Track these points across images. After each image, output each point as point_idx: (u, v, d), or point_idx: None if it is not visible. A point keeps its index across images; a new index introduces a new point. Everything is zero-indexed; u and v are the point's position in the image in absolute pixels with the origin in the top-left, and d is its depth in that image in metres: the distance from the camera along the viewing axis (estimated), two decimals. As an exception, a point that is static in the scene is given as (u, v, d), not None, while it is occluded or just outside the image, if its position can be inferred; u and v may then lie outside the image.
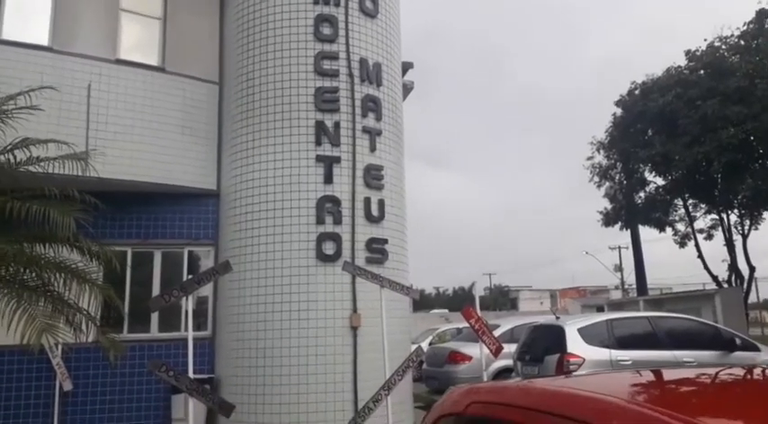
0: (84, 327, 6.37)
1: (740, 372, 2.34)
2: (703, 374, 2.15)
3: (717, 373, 2.11)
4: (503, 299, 67.88)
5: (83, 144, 8.34)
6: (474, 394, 2.13)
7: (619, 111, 21.79)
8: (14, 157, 5.84)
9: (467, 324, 18.17)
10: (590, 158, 23.03)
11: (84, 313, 5.98)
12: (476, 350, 12.26)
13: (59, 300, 5.80)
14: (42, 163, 5.87)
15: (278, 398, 8.46)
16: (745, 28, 18.40)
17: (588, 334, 9.23)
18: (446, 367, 12.35)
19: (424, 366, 13.86)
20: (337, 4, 9.60)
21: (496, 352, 7.29)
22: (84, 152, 6.47)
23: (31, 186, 5.95)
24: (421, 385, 13.69)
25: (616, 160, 22.34)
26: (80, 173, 6.47)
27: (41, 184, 5.95)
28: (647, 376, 2.14)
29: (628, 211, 22.37)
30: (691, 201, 21.61)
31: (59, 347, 8.31)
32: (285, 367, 8.52)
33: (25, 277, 5.80)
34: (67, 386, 8.73)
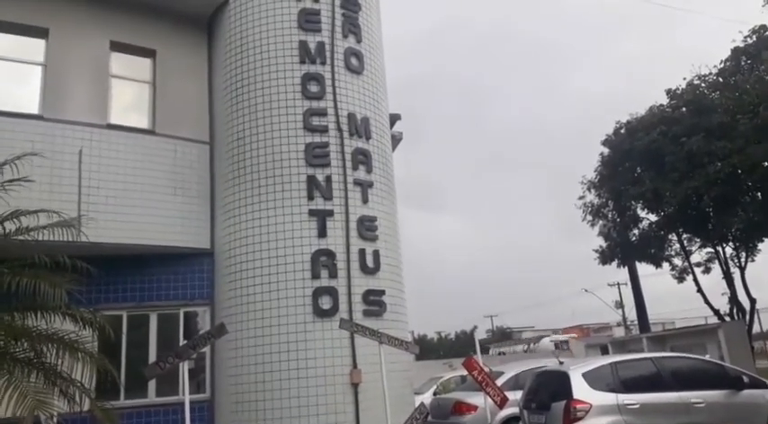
0: (77, 398, 6.20)
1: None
2: None
3: None
4: (506, 341, 67.00)
5: (74, 209, 8.33)
6: None
7: (606, 151, 22.05)
8: (4, 229, 5.81)
9: (471, 372, 17.43)
10: (581, 197, 23.14)
11: (78, 384, 5.83)
12: (481, 400, 11.98)
13: (52, 372, 5.66)
14: (33, 232, 5.83)
15: (280, 461, 8.20)
16: (722, 65, 18.87)
17: (593, 379, 9.03)
18: (451, 419, 12.00)
19: (429, 417, 13.50)
20: (323, 63, 9.82)
21: (502, 403, 7.15)
22: (74, 218, 6.45)
23: (22, 255, 5.90)
24: (426, 439, 13.31)
25: (607, 198, 22.43)
26: (71, 239, 6.43)
27: (32, 252, 5.90)
28: None
29: (623, 248, 22.33)
30: (685, 236, 21.63)
31: (54, 418, 8.06)
32: (286, 429, 8.29)
33: (16, 349, 5.68)
34: (62, 459, 8.44)
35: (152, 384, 9.21)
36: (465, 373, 20.15)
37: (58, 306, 5.74)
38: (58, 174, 8.60)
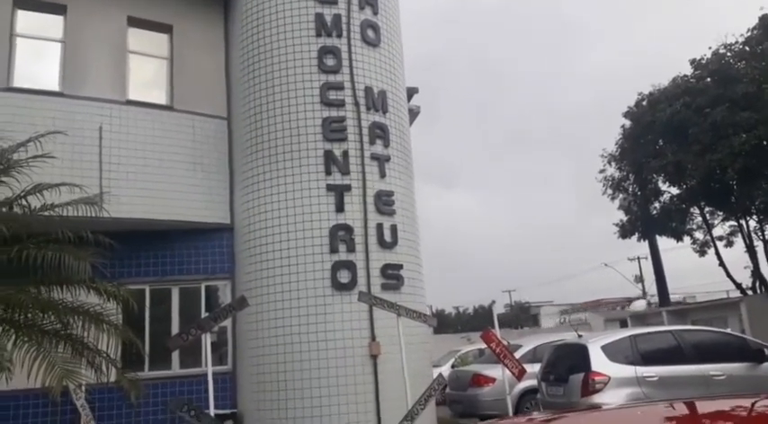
0: (104, 368, 6.37)
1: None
2: (738, 406, 2.05)
3: (753, 404, 2.02)
4: (524, 316, 67.01)
5: (96, 185, 8.45)
6: None
7: (628, 123, 21.69)
8: (29, 204, 5.92)
9: (488, 345, 17.54)
10: (602, 171, 22.89)
11: (104, 355, 5.98)
12: (499, 372, 12.08)
13: (79, 343, 5.82)
14: (57, 209, 5.94)
15: (301, 430, 8.37)
16: (749, 34, 18.34)
17: (612, 351, 9.04)
18: (470, 391, 12.14)
19: (448, 390, 13.65)
20: (339, 36, 9.73)
21: (520, 375, 7.18)
22: (96, 195, 6.54)
23: (46, 230, 6.02)
24: (445, 409, 13.48)
25: (628, 171, 22.16)
26: (94, 215, 6.54)
27: (56, 228, 6.02)
28: (681, 410, 2.05)
29: (644, 222, 22.11)
30: (707, 209, 21.32)
31: (83, 388, 8.31)
32: (307, 399, 8.45)
33: (44, 322, 5.83)
34: (91, 428, 8.70)
35: (175, 357, 9.42)
36: (483, 346, 20.33)
37: (83, 280, 5.86)
38: (79, 151, 8.71)
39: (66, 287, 6.09)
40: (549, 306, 67.00)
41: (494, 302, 9.86)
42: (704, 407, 2.13)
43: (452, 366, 17.73)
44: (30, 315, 5.67)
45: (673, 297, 25.26)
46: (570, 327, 19.00)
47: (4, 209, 5.52)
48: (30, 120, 7.99)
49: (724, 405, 2.08)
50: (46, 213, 5.87)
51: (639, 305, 29.33)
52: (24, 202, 5.90)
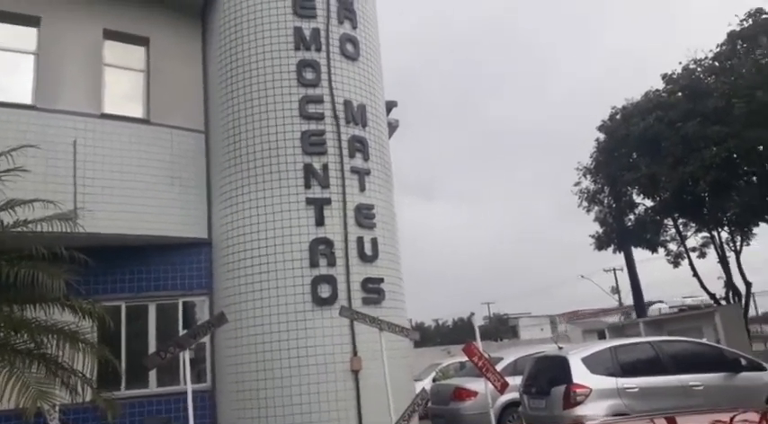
0: (80, 389, 6.18)
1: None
2: (718, 421, 2.06)
3: (732, 419, 2.03)
4: (503, 328, 67.28)
5: (70, 200, 8.28)
6: None
7: (602, 136, 22.02)
8: (1, 220, 5.76)
9: (469, 358, 17.43)
10: (577, 184, 23.14)
11: (80, 375, 5.81)
12: (480, 385, 12.03)
13: (53, 363, 5.64)
14: (30, 224, 5.78)
15: (281, 449, 8.23)
16: (718, 49, 18.82)
17: (593, 363, 9.09)
18: (452, 405, 12.07)
19: (430, 404, 13.57)
20: (318, 49, 9.73)
21: (502, 388, 7.16)
22: (71, 211, 6.41)
23: (19, 247, 5.86)
24: (428, 423, 13.38)
25: (603, 184, 22.45)
26: (68, 231, 6.38)
27: (29, 244, 5.86)
28: None
29: (619, 234, 22.39)
30: (681, 221, 21.68)
31: (56, 408, 8.06)
32: (288, 416, 8.33)
33: (17, 341, 5.65)
34: (64, 450, 8.44)
35: (152, 375, 9.22)
36: (464, 359, 20.26)
37: (57, 297, 5.71)
38: (53, 165, 8.53)
39: (39, 304, 5.91)
40: (528, 318, 67.45)
41: (473, 314, 9.91)
42: (686, 422, 2.13)
43: (434, 380, 17.63)
44: (2, 334, 5.49)
45: (655, 305, 25.49)
46: (551, 339, 19.04)
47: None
48: (2, 134, 7.80)
49: (704, 420, 2.09)
50: (19, 229, 5.70)
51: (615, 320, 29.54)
52: (-4, 218, 5.74)
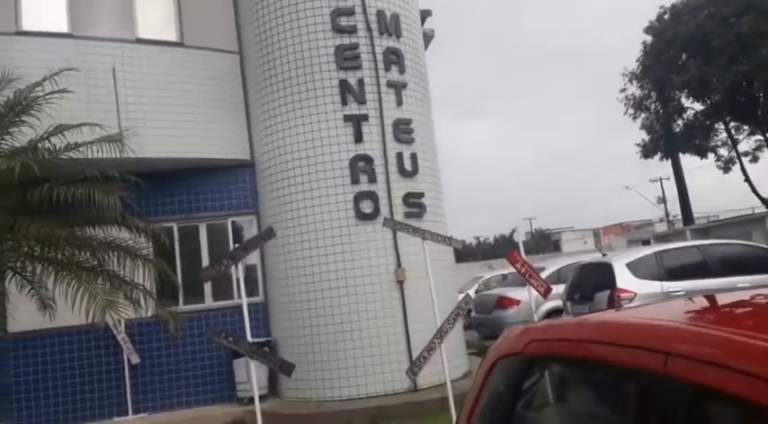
0: (142, 302, 6.59)
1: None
2: (759, 294, 2.06)
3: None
4: (544, 242, 67.41)
5: (115, 127, 8.46)
6: (532, 333, 2.12)
7: (649, 39, 20.94)
8: (53, 145, 5.98)
9: (511, 270, 18.13)
10: (623, 90, 22.35)
11: (141, 288, 6.18)
12: (523, 294, 12.27)
13: (116, 278, 6.01)
14: (81, 148, 5.99)
15: (334, 355, 8.68)
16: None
17: (637, 268, 9.11)
18: (495, 313, 12.42)
19: (473, 313, 13.98)
20: (347, -43, 9.36)
21: (545, 293, 7.28)
22: (118, 133, 6.56)
23: (73, 172, 6.10)
24: (472, 333, 13.84)
25: (650, 89, 21.61)
26: (117, 155, 6.59)
27: (82, 169, 6.10)
28: (702, 302, 2.07)
29: (666, 140, 21.75)
30: (732, 124, 20.81)
31: (122, 323, 8.67)
32: (338, 325, 8.71)
33: (80, 259, 6.01)
34: (135, 360, 9.14)
35: (208, 291, 9.72)
36: (505, 272, 20.57)
37: (114, 217, 5.98)
38: (95, 93, 8.67)
39: (98, 225, 6.22)
40: (570, 232, 67.20)
41: (516, 228, 9.91)
42: (726, 298, 2.13)
43: (476, 292, 18.05)
44: (66, 253, 5.84)
45: (697, 218, 25.06)
46: (597, 249, 19.01)
47: (30, 153, 5.57)
48: (42, 64, 7.90)
49: (746, 295, 2.08)
50: (71, 153, 5.92)
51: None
52: (48, 143, 5.95)
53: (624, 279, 9.01)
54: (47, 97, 5.86)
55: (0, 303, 5.46)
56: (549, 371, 2.00)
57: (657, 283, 8.90)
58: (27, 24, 8.84)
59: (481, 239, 77.17)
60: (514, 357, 2.07)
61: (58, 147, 5.95)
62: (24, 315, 6.58)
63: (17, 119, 5.89)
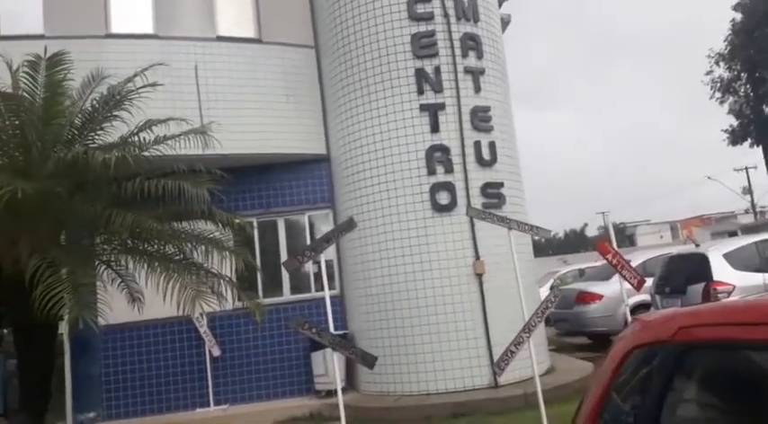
0: (226, 294, 6.69)
1: None
2: None
3: None
4: (619, 237, 64.89)
5: (197, 124, 8.67)
6: (679, 319, 1.91)
7: (738, 17, 19.61)
8: (143, 139, 6.15)
9: (588, 265, 17.44)
10: (709, 72, 21.02)
11: (227, 279, 6.27)
12: (605, 289, 11.78)
13: (202, 269, 6.12)
14: (169, 142, 6.13)
15: (411, 348, 8.57)
16: None
17: (736, 259, 8.50)
18: (575, 308, 11.95)
19: (552, 309, 13.52)
20: (422, -57, 9.18)
21: (639, 285, 6.88)
22: (202, 126, 6.69)
23: (161, 166, 6.26)
24: (549, 329, 13.40)
25: (739, 71, 20.24)
26: (201, 152, 6.71)
27: (169, 165, 6.25)
28: None
29: (758, 125, 20.32)
30: (833, 106, 19.25)
31: (204, 316, 8.89)
32: (414, 318, 8.60)
33: (169, 251, 6.15)
34: (216, 352, 9.36)
35: (286, 284, 9.85)
36: (582, 266, 19.82)
37: (201, 210, 6.09)
38: (179, 90, 8.92)
39: (185, 219, 6.35)
40: (646, 225, 64.39)
41: (606, 213, 9.43)
42: None
43: (551, 288, 17.52)
44: (156, 246, 5.99)
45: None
46: (688, 241, 17.98)
47: (122, 148, 5.74)
48: (131, 64, 8.17)
49: None
50: (159, 147, 6.07)
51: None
52: (138, 138, 6.13)
53: (721, 271, 8.43)
54: (139, 91, 6.03)
55: (93, 296, 5.64)
56: (705, 359, 1.78)
57: (759, 275, 8.27)
58: (116, 27, 9.21)
59: (551, 234, 75.23)
60: (661, 345, 1.87)
61: (147, 141, 6.11)
62: (113, 308, 6.80)
63: (110, 115, 6.09)
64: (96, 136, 6.20)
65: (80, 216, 5.63)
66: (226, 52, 9.47)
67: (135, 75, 6.22)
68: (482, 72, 9.20)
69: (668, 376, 1.83)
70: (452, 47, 9.01)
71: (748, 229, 22.28)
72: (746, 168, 42.08)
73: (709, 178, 51.75)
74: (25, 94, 5.84)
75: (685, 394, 1.84)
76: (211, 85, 9.21)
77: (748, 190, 43.87)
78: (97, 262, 6.48)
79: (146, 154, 6.21)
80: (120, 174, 5.78)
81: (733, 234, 24.90)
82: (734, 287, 8.13)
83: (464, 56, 9.08)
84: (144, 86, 6.06)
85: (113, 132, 6.34)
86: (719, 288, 8.17)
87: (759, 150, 22.31)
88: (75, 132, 6.07)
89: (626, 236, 66.01)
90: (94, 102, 6.19)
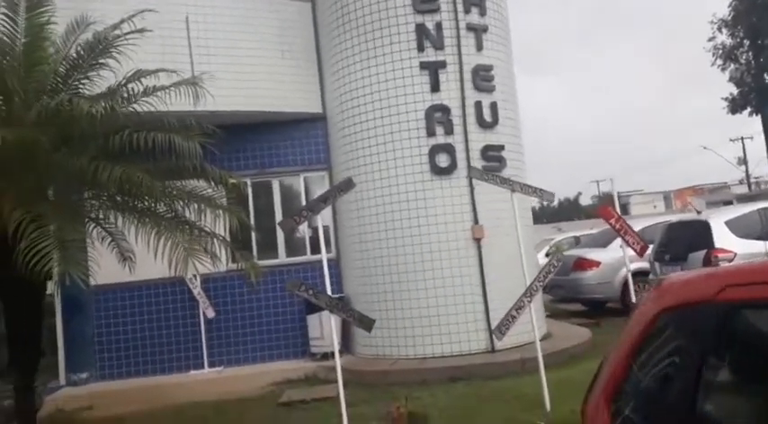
0: (220, 254, 6.50)
1: None
2: None
3: None
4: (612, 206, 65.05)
5: (189, 77, 8.33)
6: (725, 277, 1.72)
7: (744, -19, 19.15)
8: (131, 89, 5.84)
9: (583, 232, 17.32)
10: (711, 39, 20.62)
11: (220, 238, 6.07)
12: (603, 256, 11.71)
13: (195, 228, 5.90)
14: (158, 93, 5.83)
15: (408, 312, 8.47)
16: None
17: (737, 226, 8.40)
18: (572, 275, 11.88)
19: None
20: None
21: (641, 251, 6.74)
22: (194, 78, 6.37)
23: (150, 121, 5.98)
24: (543, 296, 13.35)
25: (742, 38, 19.86)
26: (194, 106, 6.41)
27: (160, 119, 5.97)
28: None
29: (759, 93, 20.05)
30: (836, 75, 18.98)
31: (197, 278, 8.72)
32: (412, 282, 8.47)
33: (160, 209, 5.92)
34: (210, 314, 9.24)
35: (281, 246, 9.68)
36: (577, 234, 19.74)
37: (193, 166, 5.84)
38: (169, 43, 8.54)
39: (176, 176, 6.11)
40: (639, 195, 64.50)
41: (611, 179, 9.27)
42: None
43: (546, 254, 17.47)
44: (146, 202, 5.76)
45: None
46: (693, 209, 17.84)
47: (110, 101, 5.44)
48: (118, 14, 7.78)
49: None
50: (149, 99, 5.77)
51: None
52: (126, 90, 5.82)
53: (723, 238, 8.34)
54: (126, 36, 5.69)
55: (82, 253, 5.41)
56: (755, 320, 1.59)
57: (761, 243, 8.16)
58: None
59: (544, 203, 75.34)
60: (703, 305, 1.68)
61: (136, 92, 5.80)
62: (104, 268, 6.60)
63: (96, 63, 5.77)
64: (82, 86, 5.88)
65: (66, 170, 5.37)
66: (219, 3, 9.06)
67: (122, 21, 5.88)
68: (485, 29, 8.87)
69: (710, 340, 1.65)
70: (455, 2, 8.66)
71: (744, 199, 22.23)
72: (742, 138, 42.05)
73: (704, 148, 51.71)
74: (5, 38, 5.50)
75: (729, 360, 1.66)
76: (203, 39, 8.84)
77: (743, 161, 43.89)
78: (87, 220, 6.24)
79: (135, 106, 5.92)
80: (108, 128, 5.50)
81: (728, 203, 24.88)
82: (735, 254, 8.05)
83: (466, 12, 8.74)
84: (131, 32, 5.72)
85: (101, 82, 6.02)
86: (721, 256, 8.09)
87: (758, 119, 22.11)
88: (60, 80, 5.75)
89: (620, 206, 66.23)
90: (79, 49, 5.85)
